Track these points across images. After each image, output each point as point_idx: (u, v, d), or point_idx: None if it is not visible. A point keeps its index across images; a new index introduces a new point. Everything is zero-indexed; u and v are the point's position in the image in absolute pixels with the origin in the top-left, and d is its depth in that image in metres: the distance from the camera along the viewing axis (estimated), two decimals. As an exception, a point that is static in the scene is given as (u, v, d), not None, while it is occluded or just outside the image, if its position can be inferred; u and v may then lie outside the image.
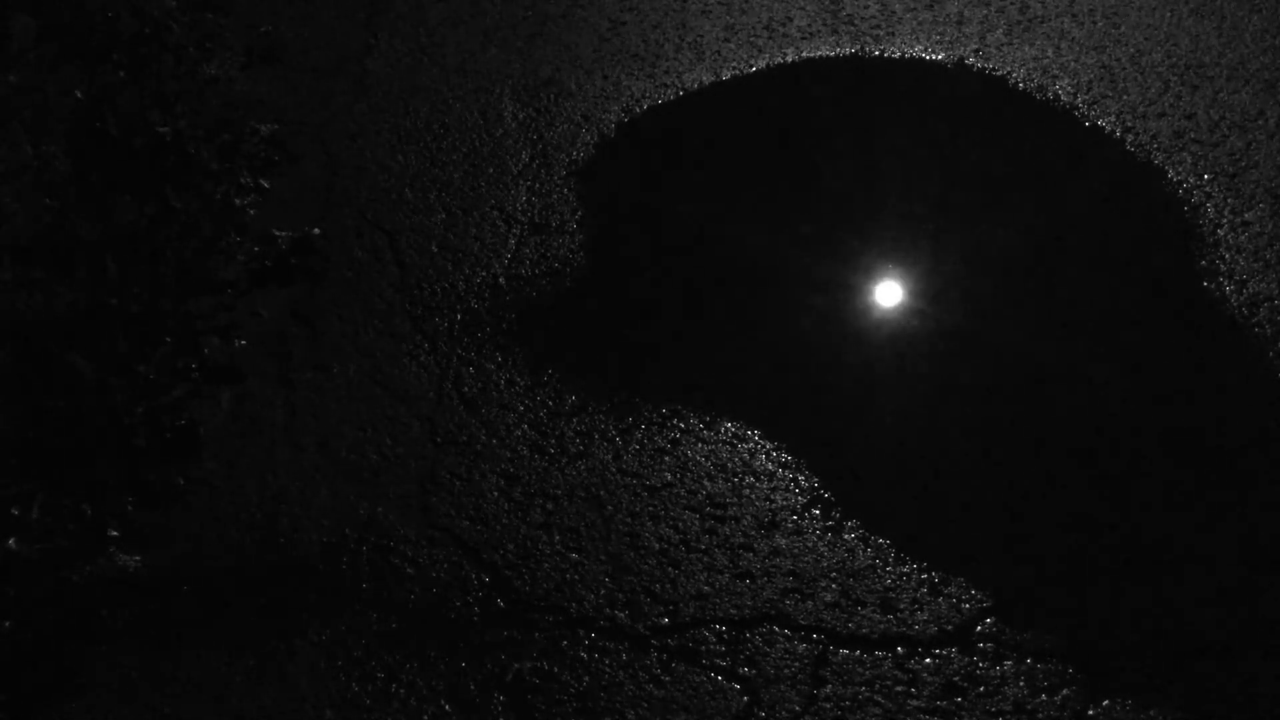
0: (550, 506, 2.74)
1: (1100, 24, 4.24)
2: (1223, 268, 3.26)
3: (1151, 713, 2.32)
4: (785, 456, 2.83)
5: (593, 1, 4.45)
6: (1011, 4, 4.34)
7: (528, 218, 3.54)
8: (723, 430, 2.90)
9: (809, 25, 4.27)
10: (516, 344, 3.15)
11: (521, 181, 3.67)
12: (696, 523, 2.70)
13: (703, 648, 2.46)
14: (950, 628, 2.48)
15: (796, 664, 2.43)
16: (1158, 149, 3.67)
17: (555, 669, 2.43)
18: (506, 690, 2.40)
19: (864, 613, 2.51)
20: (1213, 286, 3.21)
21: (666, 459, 2.84)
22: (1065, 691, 2.36)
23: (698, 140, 3.86)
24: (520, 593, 2.57)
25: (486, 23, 4.37)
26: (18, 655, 2.43)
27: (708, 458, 2.84)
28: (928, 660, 2.42)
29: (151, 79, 3.73)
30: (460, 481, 2.81)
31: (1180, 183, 3.55)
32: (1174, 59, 4.04)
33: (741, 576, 2.59)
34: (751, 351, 3.12)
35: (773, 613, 2.52)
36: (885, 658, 2.43)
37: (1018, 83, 3.98)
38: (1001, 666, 2.41)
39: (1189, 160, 3.62)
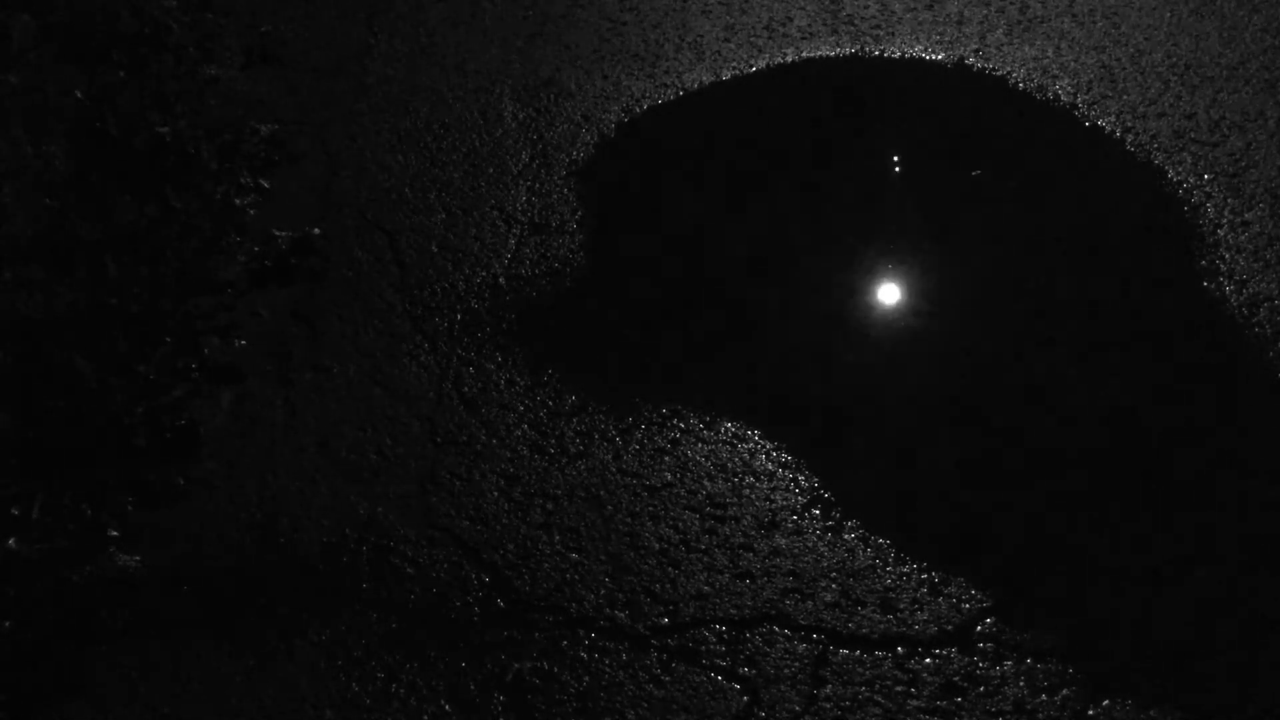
0: (550, 506, 2.74)
1: (1100, 24, 4.24)
2: (1223, 268, 3.26)
3: (1151, 713, 2.32)
4: (785, 456, 2.83)
5: (593, 1, 4.45)
6: (1011, 4, 4.34)
7: (528, 218, 3.54)
8: (723, 430, 2.90)
9: (809, 25, 4.27)
10: (516, 344, 3.15)
11: (521, 181, 3.67)
12: (696, 523, 2.70)
13: (703, 648, 2.46)
14: (950, 628, 2.48)
15: (796, 664, 2.43)
16: (1158, 149, 3.67)
17: (555, 669, 2.43)
18: (506, 690, 2.40)
19: (864, 613, 2.51)
20: (1213, 286, 3.21)
21: (666, 459, 2.84)
22: (1065, 691, 2.36)
23: (698, 140, 3.86)
24: (520, 593, 2.57)
25: (486, 23, 4.38)
26: (18, 655, 2.43)
27: (708, 458, 2.84)
28: (928, 660, 2.42)
29: (151, 79, 3.73)
30: (460, 481, 2.81)
31: (1180, 183, 3.55)
32: (1174, 59, 4.04)
33: (741, 576, 2.59)
34: (751, 351, 3.12)
35: (773, 613, 2.52)
36: (885, 658, 2.43)
37: (1018, 83, 3.98)
38: (1001, 666, 2.41)
39: (1189, 160, 3.62)
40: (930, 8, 4.32)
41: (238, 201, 3.53)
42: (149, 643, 2.48)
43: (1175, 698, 2.34)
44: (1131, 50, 4.09)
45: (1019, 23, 4.24)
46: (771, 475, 2.79)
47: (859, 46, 4.15)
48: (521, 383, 3.04)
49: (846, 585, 2.56)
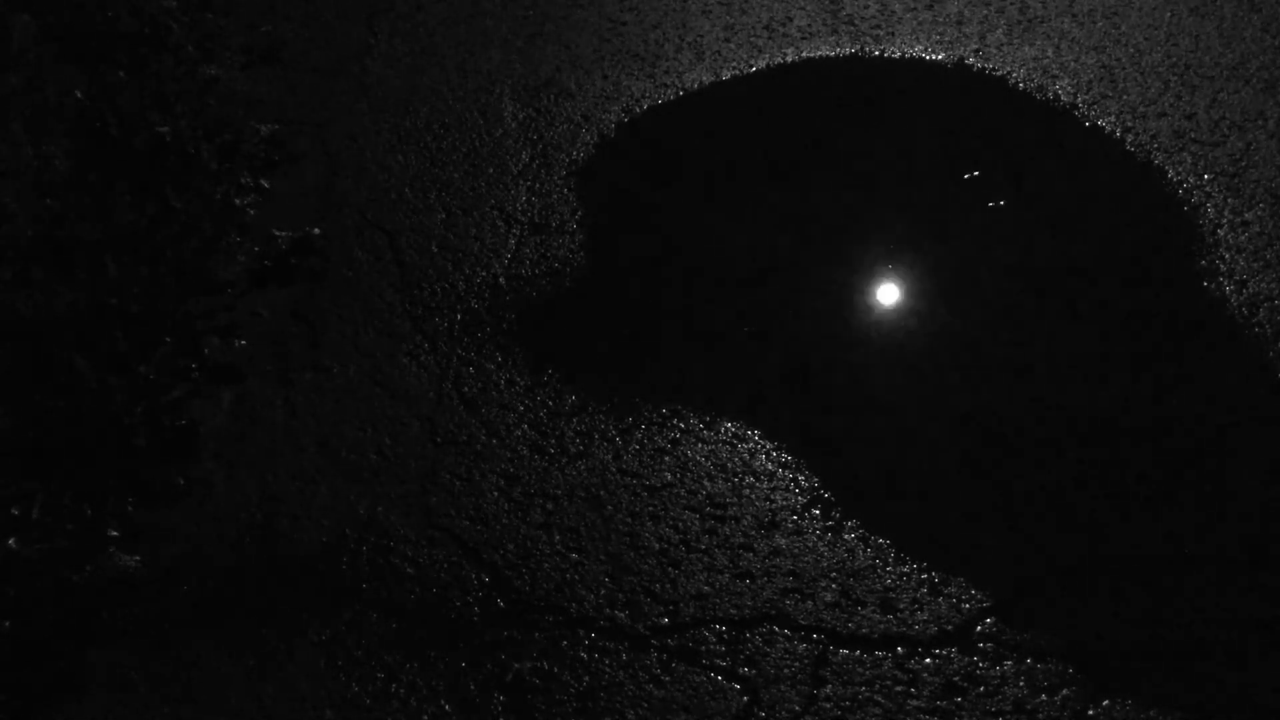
0: (550, 506, 2.74)
1: (1100, 24, 4.24)
2: (1223, 268, 3.26)
3: (1151, 713, 2.32)
4: (785, 456, 2.83)
5: (593, 1, 4.45)
6: (1011, 4, 4.34)
7: (528, 218, 3.54)
8: (723, 430, 2.90)
9: (809, 25, 4.27)
10: (516, 344, 3.15)
11: (521, 181, 3.67)
12: (696, 523, 2.70)
13: (703, 648, 2.46)
14: (950, 628, 2.48)
15: (796, 664, 2.43)
16: (1158, 149, 3.67)
17: (555, 669, 2.43)
18: (506, 690, 2.40)
19: (864, 613, 2.51)
20: (1213, 286, 3.21)
21: (666, 459, 2.84)
22: (1065, 691, 2.36)
23: (698, 140, 3.86)
24: (520, 593, 2.57)
25: (486, 23, 4.38)
26: (18, 655, 2.43)
27: (708, 458, 2.84)
28: (928, 660, 2.42)
29: (151, 79, 3.73)
30: (460, 481, 2.81)
31: (1180, 183, 3.55)
32: (1174, 59, 4.04)
33: (741, 576, 2.59)
34: (751, 351, 3.12)
35: (773, 613, 2.52)
36: (885, 658, 2.43)
37: (1018, 83, 3.98)
38: (1001, 666, 2.41)
39: (1189, 160, 3.62)
40: (930, 8, 4.32)
41: (238, 201, 3.53)
42: (149, 643, 2.48)
43: (1175, 698, 2.34)
44: (1131, 50, 4.09)
45: (1019, 23, 4.24)
46: (771, 475, 2.79)
47: (859, 46, 4.15)
48: (521, 383, 3.04)
49: (846, 585, 2.56)
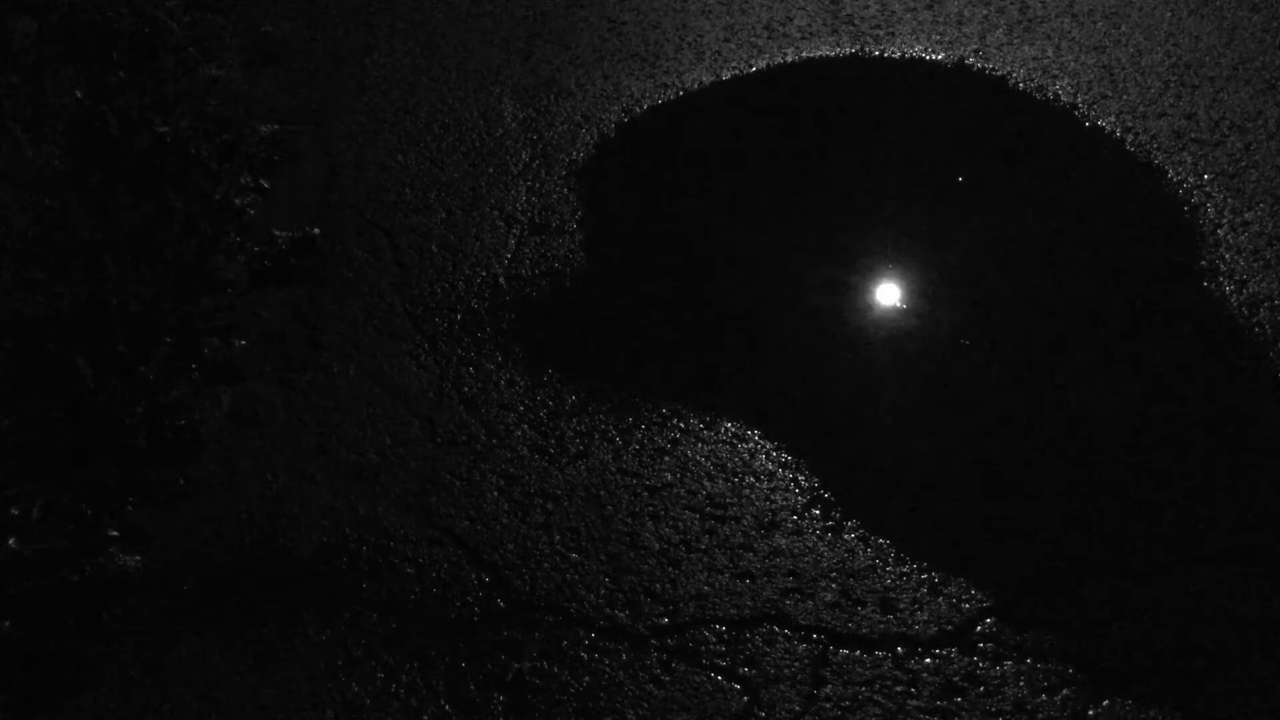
0: (550, 506, 2.74)
1: (1100, 24, 4.24)
2: (1223, 268, 3.26)
3: (1151, 713, 2.32)
4: (785, 456, 2.83)
5: (593, 1, 4.45)
6: (1011, 4, 4.34)
7: (528, 218, 3.54)
8: (723, 430, 2.90)
9: (809, 25, 4.27)
10: (516, 344, 3.15)
11: (521, 181, 3.67)
12: (696, 523, 2.70)
13: (703, 648, 2.46)
14: (950, 628, 2.47)
15: (796, 664, 2.43)
16: (1158, 149, 3.67)
17: (555, 669, 2.43)
18: (506, 690, 2.40)
19: (864, 613, 2.51)
20: (1213, 286, 3.21)
21: (666, 459, 2.84)
22: (1065, 691, 2.36)
23: (698, 140, 3.86)
24: (520, 593, 2.57)
25: (486, 23, 4.38)
26: (18, 655, 2.44)
27: (708, 458, 2.84)
28: (928, 660, 2.42)
29: (151, 79, 3.73)
30: (460, 481, 2.81)
31: (1180, 183, 3.55)
32: (1174, 59, 4.04)
33: (741, 576, 2.59)
34: (751, 351, 3.12)
35: (773, 613, 2.52)
36: (885, 658, 2.43)
37: (1018, 83, 3.98)
38: (1001, 666, 2.41)
39: (1189, 160, 3.62)
40: (930, 8, 4.32)
41: (238, 201, 3.53)
42: (149, 643, 2.48)
43: (1175, 698, 2.34)
44: (1131, 50, 4.09)
45: (1019, 23, 4.24)
46: (771, 475, 2.79)
47: (859, 46, 4.15)
48: (521, 383, 3.04)
49: (846, 585, 2.56)
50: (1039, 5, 4.33)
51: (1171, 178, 3.57)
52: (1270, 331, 3.07)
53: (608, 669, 2.43)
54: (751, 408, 2.95)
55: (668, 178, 3.70)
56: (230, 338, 3.14)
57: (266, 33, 4.28)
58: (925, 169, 3.68)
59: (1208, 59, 4.03)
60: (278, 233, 3.46)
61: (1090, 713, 2.33)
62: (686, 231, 3.50)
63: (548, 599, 2.56)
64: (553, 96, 4.00)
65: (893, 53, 4.12)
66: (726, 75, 4.07)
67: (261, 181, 3.66)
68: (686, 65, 4.11)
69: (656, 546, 2.65)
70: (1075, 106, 3.86)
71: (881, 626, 2.48)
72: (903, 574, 2.58)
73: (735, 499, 2.75)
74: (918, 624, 2.48)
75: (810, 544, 2.65)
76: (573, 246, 3.44)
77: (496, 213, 3.57)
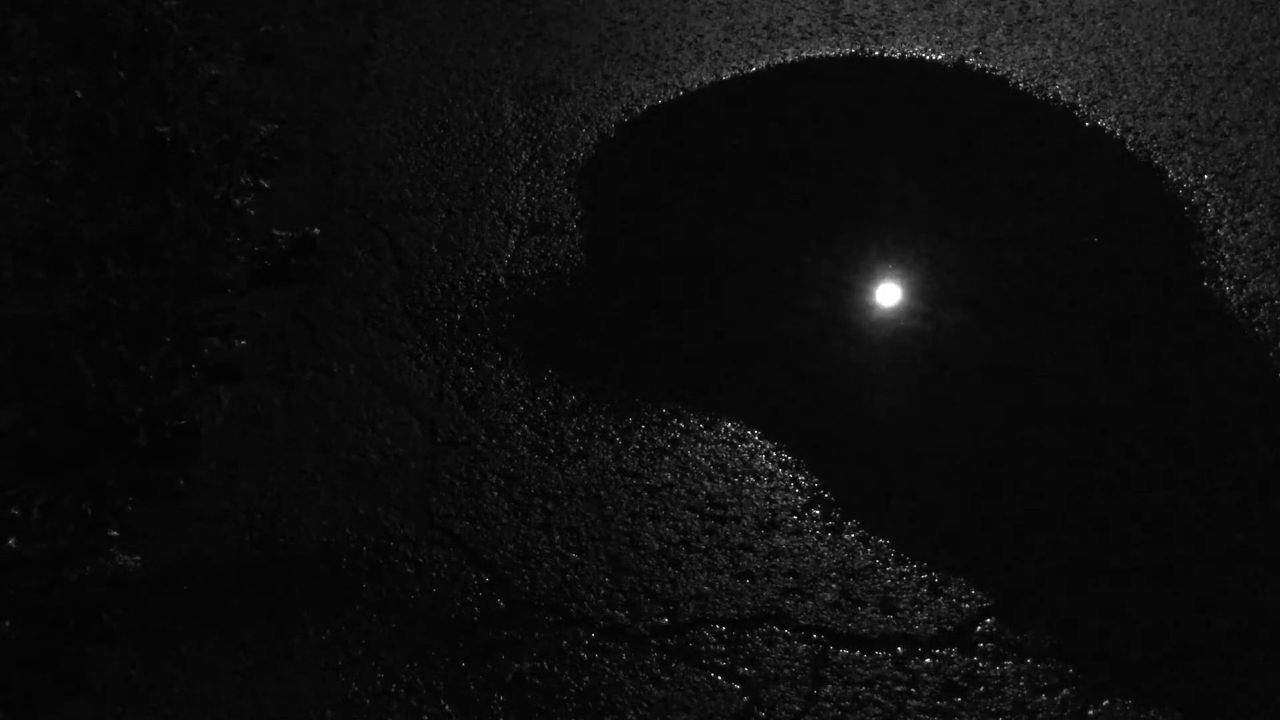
0: (550, 506, 2.74)
1: (1100, 24, 4.24)
2: (1223, 268, 3.26)
3: (1151, 713, 2.32)
4: (785, 456, 2.83)
5: (593, 1, 4.45)
6: (1011, 4, 4.34)
7: (528, 218, 3.54)
8: (723, 430, 2.90)
9: (809, 25, 4.27)
10: (516, 344, 3.15)
11: (521, 181, 3.67)
12: (696, 523, 2.70)
13: (703, 648, 2.46)
14: (950, 628, 2.47)
15: (796, 664, 2.43)
16: (1158, 149, 3.67)
17: (555, 669, 2.43)
18: (506, 690, 2.40)
19: (864, 613, 2.51)
20: (1213, 286, 3.22)
21: (666, 459, 2.84)
22: (1065, 691, 2.36)
23: (698, 140, 3.86)
24: (520, 593, 2.57)
25: (486, 23, 4.38)
26: (18, 655, 2.43)
27: (708, 458, 2.84)
28: (928, 660, 2.42)
29: (151, 79, 3.73)
30: (460, 481, 2.81)
31: (1180, 183, 3.55)
32: (1174, 59, 4.04)
33: (741, 576, 2.59)
34: (751, 351, 3.12)
35: (773, 613, 2.52)
36: (885, 658, 2.43)
37: (1018, 83, 3.98)
38: (1001, 666, 2.41)
39: (1189, 160, 3.62)
40: (930, 8, 4.32)
41: (238, 201, 3.53)
42: (149, 643, 2.48)
43: (1175, 698, 2.34)
44: (1131, 50, 4.09)
45: (1019, 23, 4.24)
46: (771, 475, 2.79)
47: (859, 46, 4.15)
48: (521, 383, 3.04)
49: (846, 585, 2.56)
50: (1039, 5, 4.33)
51: (1171, 178, 3.57)
52: (1270, 331, 3.07)
53: (608, 669, 2.43)
54: (751, 408, 2.95)
55: (668, 178, 3.70)
56: (230, 338, 3.14)
57: (266, 33, 4.28)
58: (925, 169, 3.68)
59: (1208, 59, 4.03)
60: (278, 233, 3.46)
61: (1090, 713, 2.33)
62: (686, 231, 3.50)
63: (548, 599, 2.56)
64: (553, 96, 4.00)
65: (893, 53, 4.12)
66: (726, 75, 4.07)
67: (261, 181, 3.66)
68: (686, 65, 4.11)
69: (656, 546, 2.65)
70: (1075, 106, 3.86)
71: (881, 626, 2.48)
72: (903, 574, 2.58)
73: (735, 499, 2.75)
74: (918, 624, 2.48)
75: (810, 544, 2.65)
76: (573, 246, 3.44)
77: (496, 213, 3.57)
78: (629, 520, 2.71)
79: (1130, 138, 3.72)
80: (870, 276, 3.34)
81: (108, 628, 2.50)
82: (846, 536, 2.66)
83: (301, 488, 2.80)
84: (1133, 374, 3.00)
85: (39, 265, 3.04)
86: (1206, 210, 3.45)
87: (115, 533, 2.65)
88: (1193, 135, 3.71)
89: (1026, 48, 4.11)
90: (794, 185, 3.66)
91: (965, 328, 3.17)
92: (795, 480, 2.78)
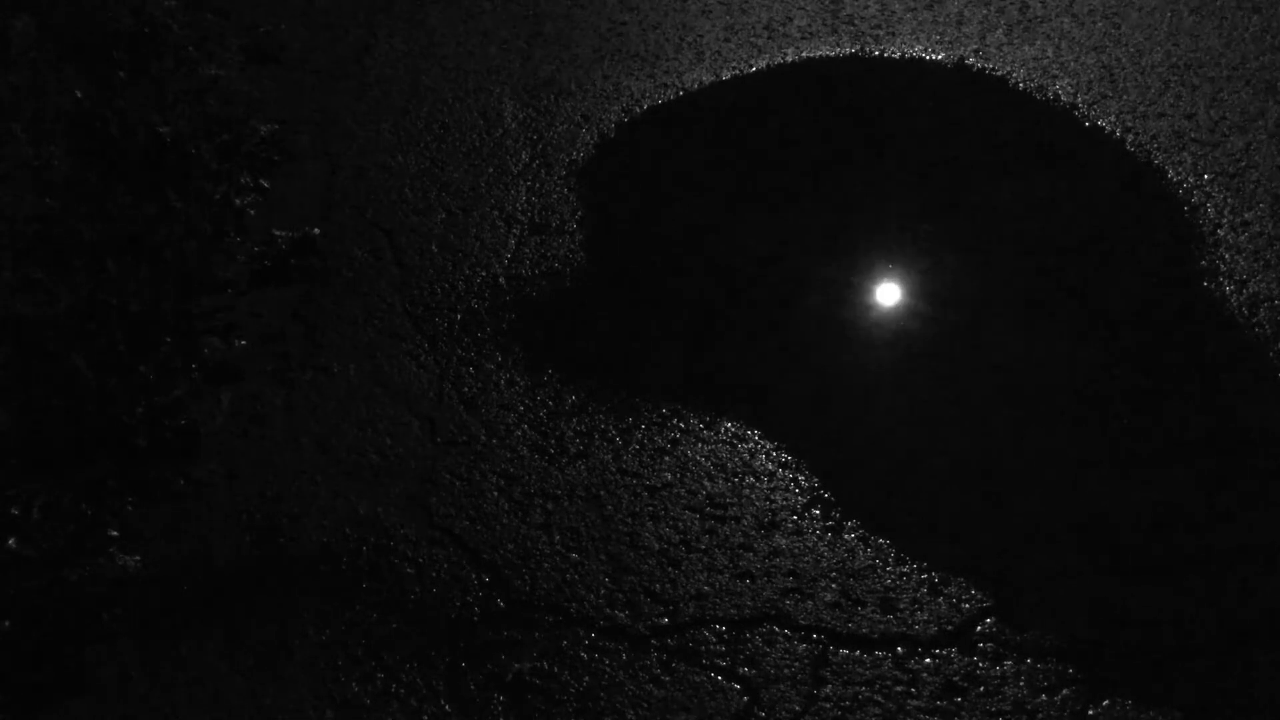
0: (550, 506, 2.74)
1: (1100, 24, 4.24)
2: (1223, 268, 3.26)
3: (1151, 713, 2.32)
4: (785, 456, 2.83)
5: (593, 1, 4.45)
6: (1011, 4, 4.34)
7: (528, 218, 3.54)
8: (723, 430, 2.90)
9: (809, 25, 4.27)
10: (516, 344, 3.15)
11: (521, 181, 3.67)
12: (696, 523, 2.70)
13: (703, 648, 2.46)
14: (950, 628, 2.47)
15: (796, 664, 2.43)
16: (1158, 149, 3.67)
17: (555, 669, 2.43)
18: (506, 690, 2.40)
19: (864, 613, 2.51)
20: (1213, 286, 3.21)
21: (666, 459, 2.84)
22: (1065, 691, 2.36)
23: (698, 140, 3.86)
24: (520, 593, 2.57)
25: (486, 23, 4.38)
26: (18, 655, 2.43)
27: (708, 458, 2.84)
28: (928, 660, 2.42)
29: (151, 79, 3.74)
30: (460, 481, 2.81)
31: (1180, 183, 3.55)
32: (1174, 59, 4.04)
33: (741, 576, 2.59)
34: (751, 351, 3.12)
35: (773, 613, 2.52)
36: (885, 658, 2.43)
37: (1018, 83, 3.98)
38: (1001, 666, 2.41)
39: (1189, 160, 3.62)
40: (930, 8, 4.32)
41: (238, 201, 3.53)
42: (149, 643, 2.48)
43: (1175, 698, 2.34)
44: (1131, 50, 4.09)
45: (1019, 23, 4.24)
46: (771, 475, 2.79)
47: (859, 46, 4.15)
48: (521, 383, 3.04)
49: (846, 585, 2.56)
50: (1039, 5, 4.33)
51: (1171, 178, 3.57)
52: (1270, 331, 3.07)
53: (608, 669, 2.43)
54: (751, 408, 2.95)
55: (668, 178, 3.70)
56: (230, 338, 3.14)
57: (266, 33, 4.28)
58: (925, 169, 3.68)
59: (1208, 59, 4.03)
60: (278, 233, 3.46)
61: (1090, 713, 2.33)
62: (686, 231, 3.50)
63: (548, 599, 2.55)
64: (553, 96, 4.00)
65: (893, 53, 4.12)
66: (726, 75, 4.07)
67: (261, 181, 3.66)
68: (686, 65, 4.11)
69: (656, 546, 2.65)
70: (1075, 106, 3.86)
71: (881, 626, 2.48)
72: (903, 574, 2.58)
73: (735, 499, 2.75)
74: (918, 624, 2.48)
75: (810, 544, 2.65)
76: (573, 246, 3.44)
77: (496, 213, 3.57)
78: (629, 520, 2.71)
79: (1130, 138, 3.72)
80: (870, 276, 3.34)
81: (108, 628, 2.50)
82: (846, 536, 2.66)
83: (301, 488, 2.80)
84: (1133, 374, 3.00)
85: (39, 265, 3.04)
86: (1206, 210, 3.45)
87: (115, 533, 2.65)
88: (1193, 135, 3.71)
89: (1026, 48, 4.11)
90: (794, 185, 3.66)
91: (965, 327, 3.17)
92: (795, 480, 2.78)
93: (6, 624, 2.46)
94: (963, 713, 2.34)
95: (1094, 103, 3.87)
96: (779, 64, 4.11)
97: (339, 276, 3.37)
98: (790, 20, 4.29)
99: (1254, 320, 3.11)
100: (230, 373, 3.06)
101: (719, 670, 2.42)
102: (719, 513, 2.72)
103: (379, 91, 4.06)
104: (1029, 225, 3.46)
